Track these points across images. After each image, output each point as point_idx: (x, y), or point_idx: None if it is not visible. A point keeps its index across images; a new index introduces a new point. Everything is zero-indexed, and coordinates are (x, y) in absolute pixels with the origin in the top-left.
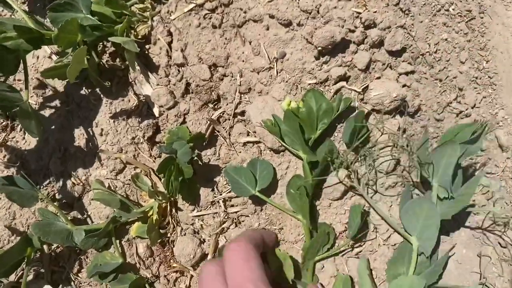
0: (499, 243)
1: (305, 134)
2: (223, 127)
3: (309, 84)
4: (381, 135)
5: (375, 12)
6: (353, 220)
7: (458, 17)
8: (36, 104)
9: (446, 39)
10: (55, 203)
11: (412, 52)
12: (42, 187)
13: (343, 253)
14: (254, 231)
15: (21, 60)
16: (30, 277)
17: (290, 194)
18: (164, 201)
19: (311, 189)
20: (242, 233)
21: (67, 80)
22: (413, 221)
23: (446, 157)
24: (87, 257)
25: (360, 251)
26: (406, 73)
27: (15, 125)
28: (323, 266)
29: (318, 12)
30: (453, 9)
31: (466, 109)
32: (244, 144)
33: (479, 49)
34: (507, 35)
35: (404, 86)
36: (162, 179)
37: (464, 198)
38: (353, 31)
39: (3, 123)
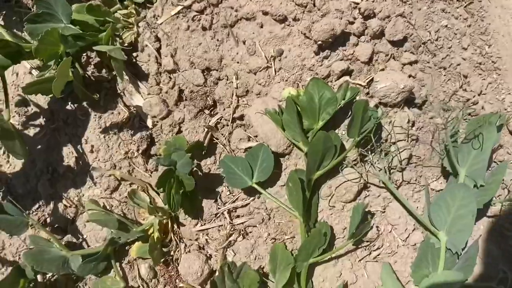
0: None
1: (303, 124)
2: (222, 134)
3: None
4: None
5: (373, 1)
6: (353, 219)
7: (456, 2)
8: (18, 124)
9: (446, 26)
10: (46, 229)
11: (414, 41)
12: (31, 212)
13: (343, 256)
14: None
15: (0, 77)
16: None
17: (288, 188)
18: (164, 217)
19: (309, 184)
20: None
21: (50, 95)
22: (443, 213)
23: (480, 143)
24: (85, 284)
25: (379, 254)
26: (410, 63)
27: None
28: (341, 274)
29: (314, 5)
30: None
31: (473, 97)
32: (246, 150)
33: (480, 33)
34: (507, 18)
35: (410, 76)
36: (161, 194)
37: (493, 187)
38: (352, 23)
39: None
